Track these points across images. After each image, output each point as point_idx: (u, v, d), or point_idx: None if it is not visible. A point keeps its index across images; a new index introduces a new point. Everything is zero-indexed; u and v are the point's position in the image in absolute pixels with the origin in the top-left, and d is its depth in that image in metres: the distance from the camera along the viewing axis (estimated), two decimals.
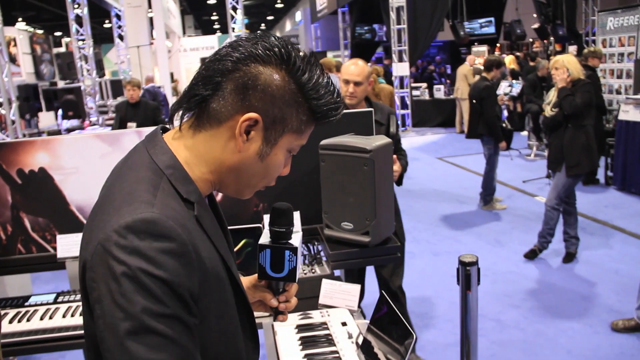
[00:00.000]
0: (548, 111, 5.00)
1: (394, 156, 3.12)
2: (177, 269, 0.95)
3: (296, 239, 1.25)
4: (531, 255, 5.25)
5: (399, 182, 3.32)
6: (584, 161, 4.84)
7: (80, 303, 2.29)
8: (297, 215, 2.49)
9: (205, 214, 1.09)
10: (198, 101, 1.07)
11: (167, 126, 1.19)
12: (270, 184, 1.19)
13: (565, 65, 4.88)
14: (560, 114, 4.84)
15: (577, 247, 5.18)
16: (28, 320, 2.22)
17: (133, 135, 2.52)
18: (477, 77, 7.56)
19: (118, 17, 15.37)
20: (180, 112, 1.10)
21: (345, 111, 2.77)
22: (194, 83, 1.09)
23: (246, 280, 1.33)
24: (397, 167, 3.15)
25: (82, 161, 2.50)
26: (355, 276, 3.51)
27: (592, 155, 4.88)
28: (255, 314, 1.34)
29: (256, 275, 1.29)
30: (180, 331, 0.96)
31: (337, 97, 1.14)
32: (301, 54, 1.09)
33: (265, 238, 1.24)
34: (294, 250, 1.21)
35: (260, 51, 1.05)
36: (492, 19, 18.22)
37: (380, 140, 2.36)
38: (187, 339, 0.97)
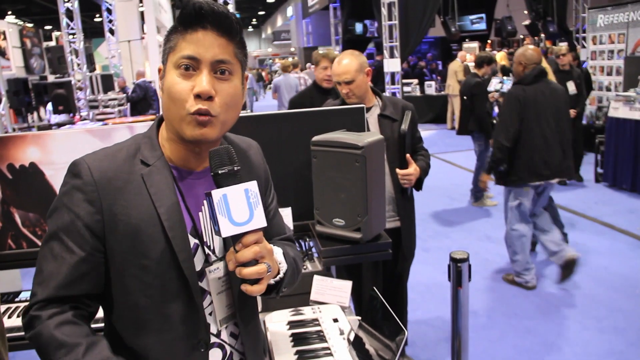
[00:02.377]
0: None
1: (408, 156, 2.98)
2: (79, 202, 1.20)
3: (233, 187, 1.16)
4: None
5: (418, 187, 3.10)
6: None
7: None
8: (288, 212, 2.49)
9: (158, 177, 1.24)
10: None
11: None
12: (189, 108, 1.18)
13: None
14: None
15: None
16: (18, 316, 2.21)
17: (124, 131, 2.51)
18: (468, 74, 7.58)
19: (109, 11, 15.27)
20: None
21: (337, 107, 2.78)
22: None
23: None
24: (412, 169, 2.96)
25: (74, 156, 2.45)
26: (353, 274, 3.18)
27: None
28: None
29: None
30: (62, 250, 1.19)
31: (184, 4, 1.23)
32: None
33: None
34: (208, 194, 1.16)
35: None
36: (483, 15, 18.29)
37: (372, 136, 2.37)
38: (69, 259, 1.18)
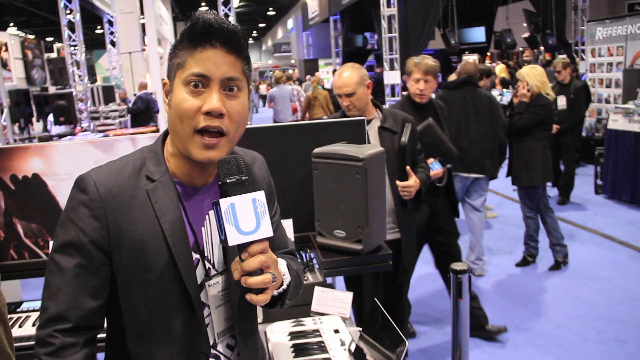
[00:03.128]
0: None
1: (408, 168, 2.98)
2: (85, 217, 1.20)
3: (241, 197, 1.16)
4: (523, 263, 5.29)
5: (418, 199, 3.09)
6: (522, 175, 4.99)
7: None
8: (289, 223, 2.50)
9: (163, 193, 1.25)
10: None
11: None
12: (197, 124, 1.19)
13: (525, 79, 4.91)
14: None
15: (565, 254, 5.21)
16: (20, 326, 2.22)
17: (127, 142, 2.53)
18: None
19: (110, 23, 15.35)
20: None
21: (337, 119, 2.80)
22: None
23: None
24: (412, 181, 2.96)
25: (76, 167, 2.49)
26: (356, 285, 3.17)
27: (533, 172, 4.95)
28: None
29: None
30: (69, 264, 1.20)
31: (193, 20, 1.20)
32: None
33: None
34: (215, 203, 1.16)
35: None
36: (483, 28, 18.36)
37: (373, 148, 2.38)
38: (76, 273, 1.19)
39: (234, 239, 1.14)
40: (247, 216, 1.15)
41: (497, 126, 4.76)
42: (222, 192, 1.17)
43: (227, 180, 1.17)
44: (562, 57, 8.59)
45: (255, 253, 1.17)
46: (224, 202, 1.14)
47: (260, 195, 1.18)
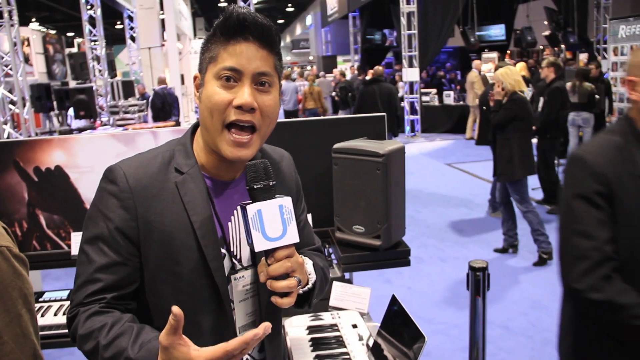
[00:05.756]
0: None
1: None
2: (114, 208, 1.21)
3: (267, 203, 1.16)
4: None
5: None
6: (507, 171, 5.15)
7: None
8: (308, 218, 2.51)
9: (192, 186, 1.25)
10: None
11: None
12: (226, 118, 1.19)
13: (500, 79, 5.13)
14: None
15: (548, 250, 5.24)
16: (42, 315, 2.25)
17: (148, 136, 2.55)
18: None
19: (130, 18, 15.47)
20: None
21: (357, 115, 2.79)
22: None
23: None
24: None
25: (98, 160, 2.53)
26: None
27: (514, 167, 5.09)
28: None
29: None
30: (99, 256, 1.19)
31: (226, 14, 1.22)
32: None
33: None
34: (242, 208, 1.16)
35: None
36: (503, 25, 18.25)
37: (393, 144, 2.38)
38: (106, 263, 1.19)
39: (260, 245, 1.14)
40: (273, 222, 1.15)
41: (394, 105, 8.25)
42: (250, 197, 1.17)
43: (255, 186, 1.16)
44: (584, 56, 8.47)
45: (281, 258, 1.16)
46: (251, 209, 1.14)
47: (287, 202, 1.17)
